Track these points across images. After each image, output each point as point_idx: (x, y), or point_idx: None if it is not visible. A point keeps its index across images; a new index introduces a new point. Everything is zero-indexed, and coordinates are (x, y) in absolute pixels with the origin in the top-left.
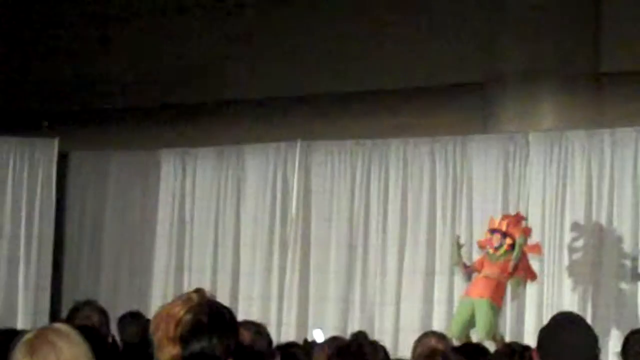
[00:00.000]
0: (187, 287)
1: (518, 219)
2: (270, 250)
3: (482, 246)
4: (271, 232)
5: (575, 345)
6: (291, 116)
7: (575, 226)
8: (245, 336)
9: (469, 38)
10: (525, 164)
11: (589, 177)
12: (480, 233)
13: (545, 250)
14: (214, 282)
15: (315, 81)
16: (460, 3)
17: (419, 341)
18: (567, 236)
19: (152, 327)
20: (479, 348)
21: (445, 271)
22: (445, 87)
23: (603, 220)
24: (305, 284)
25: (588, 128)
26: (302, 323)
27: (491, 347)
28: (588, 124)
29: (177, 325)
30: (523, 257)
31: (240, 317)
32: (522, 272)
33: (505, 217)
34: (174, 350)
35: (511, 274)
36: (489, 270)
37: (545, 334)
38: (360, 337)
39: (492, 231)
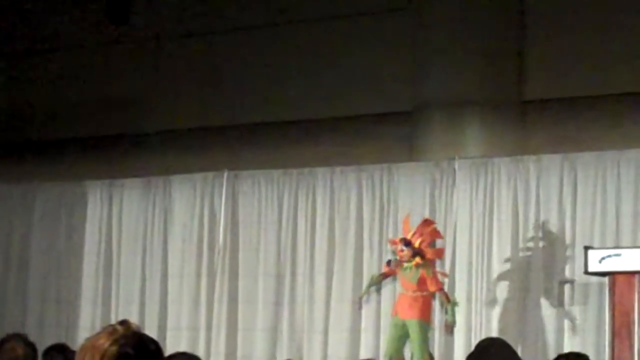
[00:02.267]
0: (115, 318)
1: (428, 223)
2: (198, 281)
3: (393, 244)
4: (199, 262)
5: None
6: (218, 146)
7: (502, 252)
8: None
9: (395, 67)
10: (452, 191)
11: (515, 204)
12: None
13: (473, 276)
14: (141, 312)
15: (243, 111)
16: (386, 32)
17: None
18: (495, 262)
19: None
20: None
21: (373, 299)
22: (371, 116)
23: (529, 246)
24: (234, 314)
25: (514, 155)
26: (231, 353)
27: None
28: (514, 151)
29: (102, 357)
30: (435, 275)
31: (168, 348)
32: (446, 298)
33: (419, 230)
34: None
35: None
36: (409, 288)
37: (472, 358)
38: None
39: (402, 242)
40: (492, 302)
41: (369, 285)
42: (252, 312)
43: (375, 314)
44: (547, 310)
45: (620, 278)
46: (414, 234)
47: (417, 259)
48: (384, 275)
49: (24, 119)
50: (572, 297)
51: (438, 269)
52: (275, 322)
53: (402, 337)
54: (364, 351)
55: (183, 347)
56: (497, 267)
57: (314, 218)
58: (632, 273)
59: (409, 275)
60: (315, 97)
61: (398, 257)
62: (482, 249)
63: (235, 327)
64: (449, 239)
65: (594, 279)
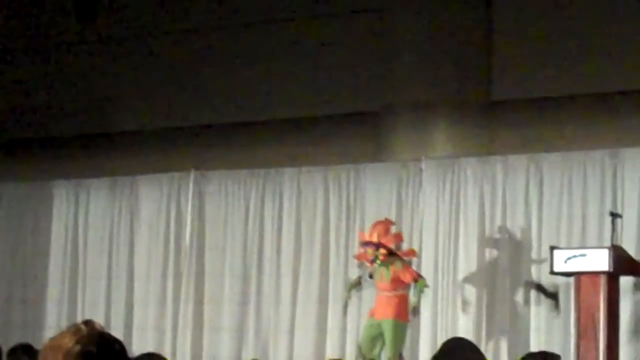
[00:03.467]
0: (81, 318)
1: (386, 225)
2: (164, 281)
3: (359, 259)
4: (165, 262)
5: None
6: (184, 146)
7: (468, 252)
8: None
9: (362, 67)
10: (419, 191)
11: (482, 204)
12: None
13: (439, 276)
14: (107, 313)
15: (209, 111)
16: (353, 33)
17: None
18: (461, 262)
19: (40, 359)
20: None
21: (338, 299)
22: (338, 116)
23: (496, 246)
24: (199, 314)
25: (480, 155)
26: (197, 353)
27: None
28: (480, 152)
29: (65, 356)
30: (406, 267)
31: (134, 348)
32: (417, 276)
33: (373, 226)
34: None
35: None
36: (384, 289)
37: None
38: None
39: (365, 244)
40: (458, 301)
41: (350, 288)
42: (218, 312)
43: (342, 314)
44: (513, 310)
45: (585, 278)
46: (370, 235)
47: (381, 251)
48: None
49: None
50: (538, 297)
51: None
52: (242, 322)
53: (375, 337)
54: (330, 351)
55: (149, 348)
56: (463, 267)
57: (280, 218)
58: (597, 273)
59: (380, 277)
60: (282, 97)
61: (365, 262)
62: (449, 249)
63: (201, 327)
64: (415, 239)
65: (561, 279)
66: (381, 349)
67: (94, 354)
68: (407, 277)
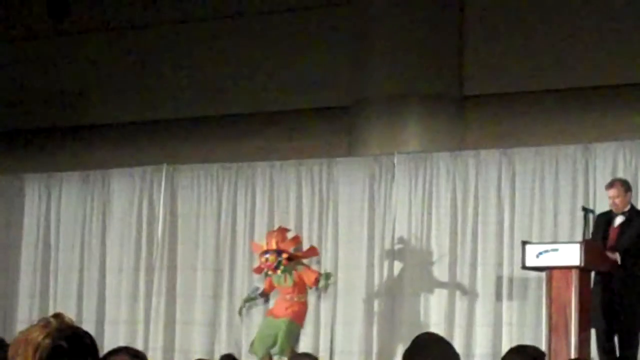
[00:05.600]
0: (53, 311)
1: (282, 232)
2: (137, 275)
3: (259, 272)
4: (137, 256)
5: None
6: (157, 140)
7: (440, 247)
8: None
9: (335, 61)
10: (391, 186)
11: (454, 198)
12: (345, 255)
13: (411, 269)
14: (79, 306)
15: (181, 105)
16: (326, 27)
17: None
18: (434, 256)
19: (10, 353)
20: None
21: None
22: (311, 110)
23: (468, 240)
24: (172, 307)
25: (453, 150)
26: (169, 347)
27: None
28: (453, 146)
29: (35, 351)
30: (307, 269)
31: (106, 342)
32: (318, 275)
33: (269, 235)
34: None
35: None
36: (286, 293)
37: (409, 353)
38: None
39: (265, 253)
40: (429, 296)
41: (245, 301)
42: (190, 306)
43: (315, 306)
44: (485, 305)
45: (557, 273)
46: (268, 244)
47: (284, 256)
48: (264, 294)
49: None
50: (510, 292)
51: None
52: (214, 316)
53: (271, 335)
54: (304, 344)
55: (121, 341)
56: (436, 261)
57: (253, 212)
58: (569, 268)
59: (283, 281)
60: (254, 90)
61: (266, 269)
62: (421, 243)
63: (173, 321)
64: (387, 234)
65: (533, 273)
66: (272, 346)
67: (64, 348)
68: (310, 278)
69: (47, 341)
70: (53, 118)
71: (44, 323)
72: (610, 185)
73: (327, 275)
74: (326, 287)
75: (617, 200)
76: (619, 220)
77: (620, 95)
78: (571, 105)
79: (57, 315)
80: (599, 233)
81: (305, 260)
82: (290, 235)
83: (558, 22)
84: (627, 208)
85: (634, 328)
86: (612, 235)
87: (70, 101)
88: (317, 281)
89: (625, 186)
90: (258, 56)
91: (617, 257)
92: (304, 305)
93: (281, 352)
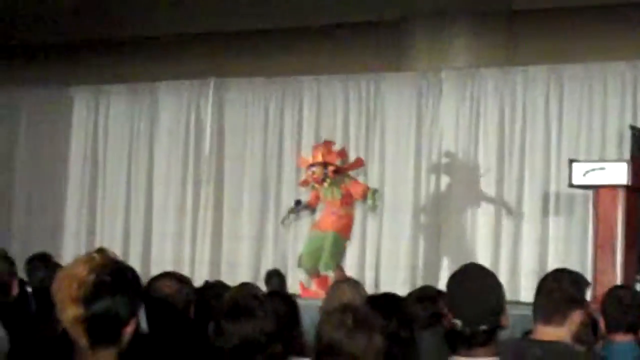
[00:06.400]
0: (100, 225)
1: (328, 145)
2: (184, 189)
3: (306, 184)
4: (184, 170)
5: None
6: (204, 54)
7: (487, 164)
8: (166, 288)
9: None
10: (439, 101)
11: (502, 115)
12: (392, 171)
13: (458, 186)
14: (127, 220)
15: (229, 18)
16: None
17: (333, 290)
18: (481, 171)
19: (54, 288)
20: (392, 298)
21: (357, 207)
22: (357, 25)
23: (515, 157)
24: (219, 221)
25: (501, 66)
26: (215, 261)
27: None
28: (501, 62)
29: (79, 286)
30: (354, 181)
31: (153, 254)
32: (366, 188)
33: (315, 148)
34: (77, 311)
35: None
36: (333, 206)
37: (452, 282)
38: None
39: (311, 166)
40: (476, 211)
41: (289, 212)
42: (237, 220)
43: (362, 221)
44: (532, 221)
45: (604, 192)
46: (314, 157)
47: (330, 169)
48: (309, 206)
49: (8, 22)
50: (557, 208)
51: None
52: (261, 230)
53: (318, 249)
54: (350, 260)
55: (168, 253)
56: (483, 177)
57: (300, 126)
58: (616, 187)
59: (330, 195)
60: (302, 5)
61: (312, 182)
62: (468, 159)
63: (220, 234)
64: (434, 150)
65: (580, 191)
66: (320, 260)
67: (108, 283)
68: (357, 190)
69: (91, 277)
70: (101, 30)
71: (88, 258)
72: None
73: (375, 192)
74: (374, 206)
75: None
76: None
77: None
78: (618, 21)
79: (100, 250)
80: None
81: (351, 174)
82: (336, 148)
83: None
84: None
85: None
86: None
87: (117, 13)
88: (364, 194)
89: None
90: None
91: None
92: (350, 219)
93: (326, 267)
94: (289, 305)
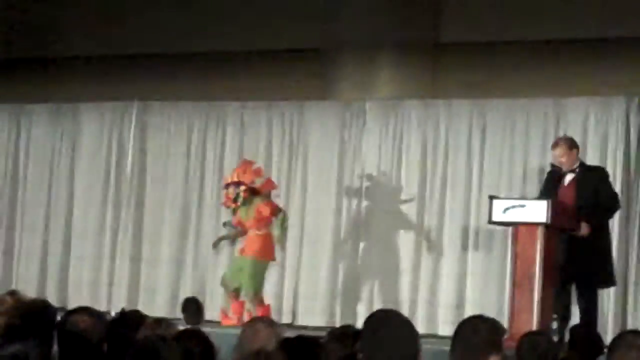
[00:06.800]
0: (19, 245)
1: (246, 163)
2: (104, 210)
3: (226, 206)
4: (105, 191)
5: (396, 341)
6: (128, 75)
7: (409, 195)
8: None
9: (310, 4)
10: (362, 132)
11: (424, 147)
12: (313, 200)
13: (378, 217)
14: (45, 240)
15: (154, 41)
16: None
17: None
18: (402, 204)
19: None
20: (307, 342)
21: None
22: (283, 52)
23: (436, 190)
24: (138, 244)
25: (425, 99)
26: (134, 284)
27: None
28: (425, 95)
29: None
30: (266, 202)
31: (71, 276)
32: (276, 209)
33: (235, 169)
34: None
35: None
36: (249, 227)
37: (368, 327)
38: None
39: (227, 186)
40: (396, 243)
41: (221, 239)
42: (157, 243)
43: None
44: (451, 255)
45: (523, 229)
46: (231, 177)
47: (242, 188)
48: (240, 233)
49: None
50: (476, 243)
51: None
52: (180, 253)
53: (239, 271)
54: (269, 288)
55: (86, 275)
56: (403, 210)
57: (222, 152)
58: (536, 225)
59: (245, 215)
60: (229, 30)
61: (234, 207)
62: (389, 191)
63: (139, 258)
64: (356, 180)
65: (499, 228)
66: (240, 285)
67: (18, 327)
68: (266, 211)
69: (1, 320)
70: (25, 48)
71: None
72: (554, 145)
73: (284, 219)
74: (281, 235)
75: (563, 159)
76: (568, 178)
77: (593, 50)
78: (545, 58)
79: (12, 293)
80: (549, 190)
81: (273, 195)
82: (254, 167)
83: None
84: (576, 165)
85: (591, 286)
86: (562, 193)
87: (43, 32)
88: (274, 213)
89: (569, 143)
90: None
91: (586, 230)
92: (266, 239)
93: (246, 294)
94: (203, 345)
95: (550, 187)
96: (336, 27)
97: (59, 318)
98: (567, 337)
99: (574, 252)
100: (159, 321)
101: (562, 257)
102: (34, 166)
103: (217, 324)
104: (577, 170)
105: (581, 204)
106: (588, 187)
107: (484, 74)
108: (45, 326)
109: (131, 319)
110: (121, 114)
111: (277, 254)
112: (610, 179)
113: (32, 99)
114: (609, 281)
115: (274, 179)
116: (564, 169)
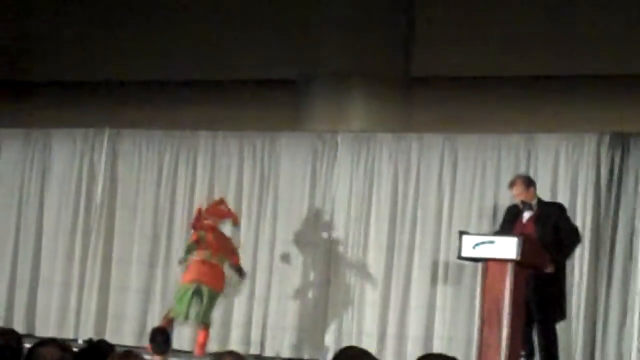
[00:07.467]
0: None
1: (218, 203)
2: (73, 237)
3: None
4: (74, 218)
5: None
6: (100, 102)
7: (379, 228)
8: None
9: (283, 35)
10: (333, 164)
11: (395, 181)
12: (283, 231)
13: (349, 250)
14: (14, 265)
15: (127, 68)
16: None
17: None
18: (371, 238)
19: None
20: None
21: (248, 264)
22: (257, 82)
23: (407, 224)
24: (107, 272)
25: (397, 131)
26: (102, 312)
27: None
28: (397, 128)
29: None
30: (221, 237)
31: (39, 303)
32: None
33: (209, 209)
34: None
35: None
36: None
37: None
38: None
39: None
40: (365, 275)
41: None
42: (125, 271)
43: (267, 280)
44: (420, 288)
45: (492, 265)
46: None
47: (193, 237)
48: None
49: None
50: (445, 277)
51: None
52: (149, 282)
53: (193, 299)
54: (237, 316)
55: (55, 302)
56: (373, 243)
57: (193, 181)
58: (505, 261)
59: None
60: (202, 59)
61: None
62: (360, 224)
63: (107, 285)
64: (327, 212)
65: (468, 264)
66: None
67: None
68: (235, 258)
69: None
70: None
71: None
72: (511, 184)
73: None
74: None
75: (521, 198)
76: (527, 215)
77: (565, 87)
78: (517, 94)
79: None
80: (506, 227)
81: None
82: (223, 208)
83: (509, 8)
84: (534, 202)
85: (551, 321)
86: (521, 229)
87: (14, 56)
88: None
89: (526, 182)
90: (208, 24)
91: (552, 268)
92: (218, 269)
93: (177, 316)
94: None
95: (507, 223)
96: (310, 58)
97: (27, 346)
98: None
99: (536, 289)
100: (127, 354)
101: (528, 294)
102: (2, 191)
103: (185, 353)
104: (535, 207)
105: (545, 241)
106: (548, 223)
107: (456, 108)
108: (12, 357)
109: (98, 350)
110: (92, 141)
111: (250, 283)
112: (569, 213)
113: (2, 124)
114: (563, 315)
115: (244, 208)
116: (522, 206)
